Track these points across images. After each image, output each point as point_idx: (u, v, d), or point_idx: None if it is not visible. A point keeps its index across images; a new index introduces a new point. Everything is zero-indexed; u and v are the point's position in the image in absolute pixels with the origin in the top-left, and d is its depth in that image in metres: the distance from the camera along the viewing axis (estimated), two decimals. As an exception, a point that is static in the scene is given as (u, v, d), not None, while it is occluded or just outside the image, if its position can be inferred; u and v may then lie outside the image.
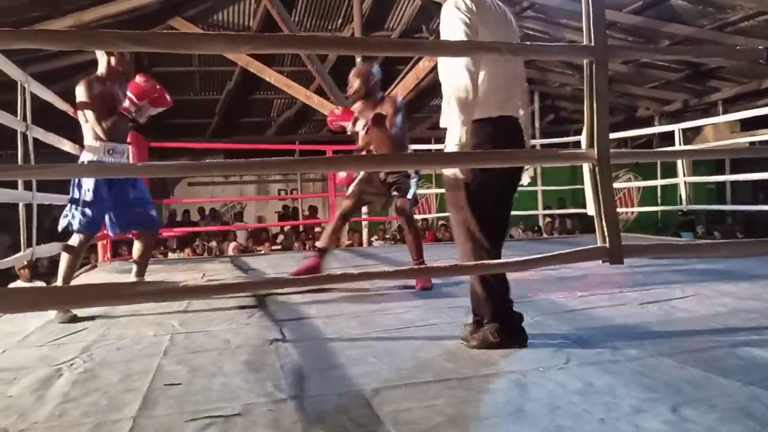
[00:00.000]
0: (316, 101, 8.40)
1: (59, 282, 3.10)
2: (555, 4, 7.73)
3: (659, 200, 10.28)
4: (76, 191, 3.15)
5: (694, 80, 9.68)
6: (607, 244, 1.58)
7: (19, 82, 3.64)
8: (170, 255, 8.70)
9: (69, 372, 2.09)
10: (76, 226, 3.14)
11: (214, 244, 9.51)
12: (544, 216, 10.58)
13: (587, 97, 1.59)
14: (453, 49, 1.87)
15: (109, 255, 5.99)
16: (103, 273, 4.98)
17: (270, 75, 8.41)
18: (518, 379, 1.83)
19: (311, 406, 1.68)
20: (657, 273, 3.58)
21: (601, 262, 1.70)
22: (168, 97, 3.36)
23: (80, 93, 3.16)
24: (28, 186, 3.69)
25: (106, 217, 3.28)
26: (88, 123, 3.21)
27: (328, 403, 1.69)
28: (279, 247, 9.70)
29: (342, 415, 1.61)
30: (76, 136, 3.59)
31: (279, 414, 1.62)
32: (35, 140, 3.75)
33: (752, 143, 8.23)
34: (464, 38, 2.07)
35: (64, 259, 3.14)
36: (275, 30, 7.79)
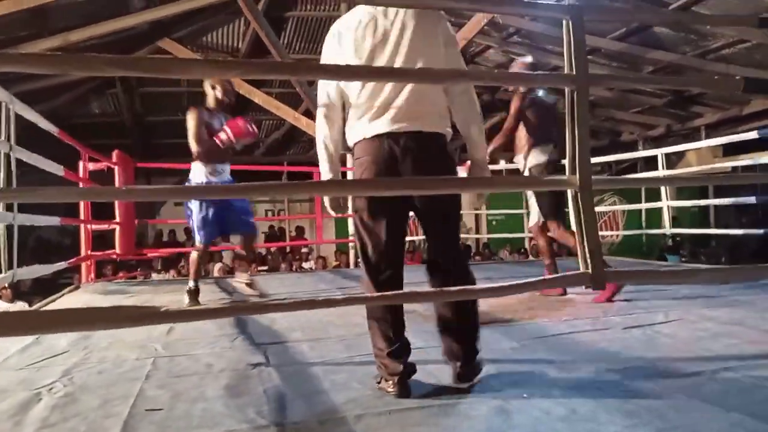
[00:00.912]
0: (304, 123, 8.44)
1: (190, 279, 4.07)
2: (540, 30, 7.86)
3: (644, 223, 10.38)
4: (188, 213, 4.07)
5: (677, 106, 9.85)
6: (590, 270, 1.59)
7: (3, 103, 3.62)
8: (155, 276, 8.63)
9: (48, 396, 2.06)
10: (198, 242, 4.06)
11: (199, 264, 9.43)
12: (530, 238, 10.61)
13: (569, 124, 1.61)
14: (441, 75, 1.89)
15: (93, 276, 5.93)
16: (86, 294, 4.93)
17: (258, 97, 8.45)
18: (502, 405, 1.82)
19: (293, 431, 1.67)
20: (640, 297, 3.59)
21: (584, 287, 1.71)
22: (255, 132, 4.06)
23: (188, 120, 3.88)
24: (9, 207, 3.65)
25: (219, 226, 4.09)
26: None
27: (310, 430, 1.68)
28: (265, 268, 9.65)
29: (324, 441, 1.60)
30: (60, 156, 3.58)
31: (260, 441, 1.61)
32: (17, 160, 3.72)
33: (734, 168, 8.36)
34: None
35: (193, 263, 4.11)
36: (264, 52, 7.84)
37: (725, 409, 1.72)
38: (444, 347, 2.09)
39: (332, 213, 2.20)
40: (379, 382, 2.02)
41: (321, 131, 2.10)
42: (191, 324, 3.12)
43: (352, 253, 8.15)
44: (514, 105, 3.93)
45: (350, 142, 2.10)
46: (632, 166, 11.65)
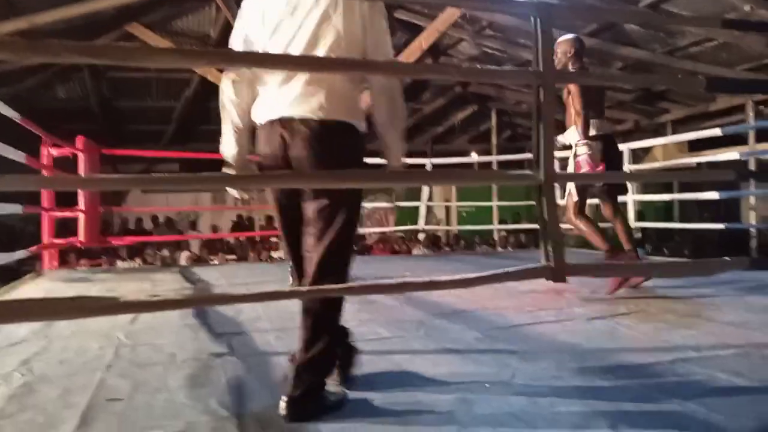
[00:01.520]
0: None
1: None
2: (513, 24, 7.90)
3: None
4: None
5: (645, 102, 10.01)
6: (552, 264, 1.61)
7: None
8: (120, 264, 8.51)
9: (5, 386, 2.02)
10: None
11: (166, 253, 9.34)
12: (499, 230, 10.73)
13: (534, 119, 1.63)
14: (410, 70, 1.89)
15: (55, 263, 5.82)
16: (47, 282, 4.84)
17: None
18: (464, 396, 1.84)
19: (254, 424, 1.67)
20: (603, 288, 3.66)
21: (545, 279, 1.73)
22: None
23: None
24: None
25: None
26: None
27: (272, 421, 1.67)
28: (234, 257, 9.59)
29: (286, 432, 1.60)
30: (23, 141, 3.49)
31: None
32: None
33: (698, 164, 8.53)
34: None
35: None
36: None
37: (680, 399, 1.77)
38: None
39: (236, 195, 2.04)
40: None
41: (227, 99, 1.93)
42: (156, 313, 3.09)
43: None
44: (573, 84, 3.70)
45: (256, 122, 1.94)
46: (600, 160, 11.81)
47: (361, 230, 11.89)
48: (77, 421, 1.68)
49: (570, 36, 3.83)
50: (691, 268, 2.48)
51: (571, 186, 3.74)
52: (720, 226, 6.31)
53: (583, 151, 3.71)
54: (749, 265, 2.01)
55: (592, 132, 3.71)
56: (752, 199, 8.30)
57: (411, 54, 7.53)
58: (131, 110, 10.97)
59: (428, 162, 7.58)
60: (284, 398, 1.69)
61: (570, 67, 3.73)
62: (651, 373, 2.06)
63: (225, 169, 1.99)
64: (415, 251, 9.61)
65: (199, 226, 12.80)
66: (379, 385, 1.97)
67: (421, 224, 8.21)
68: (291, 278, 2.03)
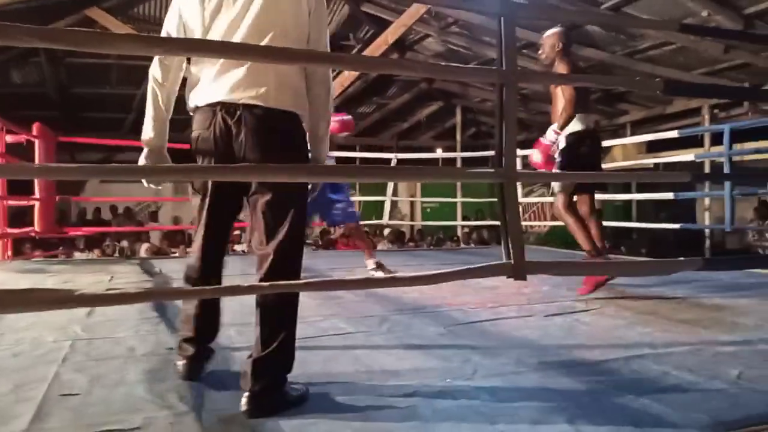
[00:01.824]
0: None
1: (370, 255, 4.42)
2: (479, 21, 7.95)
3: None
4: None
5: (605, 102, 10.21)
6: (512, 261, 1.63)
7: None
8: (78, 255, 8.31)
9: (-45, 381, 1.96)
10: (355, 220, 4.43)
11: (125, 244, 9.16)
12: (462, 227, 10.83)
13: (497, 118, 1.65)
14: (376, 64, 1.88)
15: (10, 253, 5.66)
16: (1, 273, 4.69)
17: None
18: (426, 390, 1.86)
19: (214, 419, 1.65)
20: (564, 286, 3.73)
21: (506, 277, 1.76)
22: (351, 123, 4.32)
23: None
24: None
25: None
26: None
27: (231, 417, 1.66)
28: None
29: (245, 429, 1.59)
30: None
31: (181, 427, 1.58)
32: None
33: (656, 165, 8.75)
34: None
35: (363, 242, 4.54)
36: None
37: (635, 395, 1.81)
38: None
39: (146, 183, 1.90)
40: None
41: (152, 79, 1.86)
42: (114, 306, 3.02)
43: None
44: (564, 69, 3.59)
45: (189, 109, 1.88)
46: (562, 159, 12.00)
47: (326, 224, 11.87)
48: (31, 416, 1.64)
49: (556, 29, 3.70)
50: (649, 267, 2.54)
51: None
52: (676, 226, 6.48)
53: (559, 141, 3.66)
54: (703, 265, 2.07)
55: (578, 127, 3.62)
56: (707, 201, 8.55)
57: (377, 48, 7.52)
58: (90, 97, 10.68)
59: (393, 157, 7.60)
60: (245, 394, 1.68)
61: (558, 62, 3.63)
62: (607, 369, 2.11)
63: (142, 159, 1.94)
64: (379, 246, 9.62)
65: (160, 217, 12.57)
66: (340, 381, 1.97)
67: (386, 219, 8.22)
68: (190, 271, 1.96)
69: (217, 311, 2.00)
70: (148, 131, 1.92)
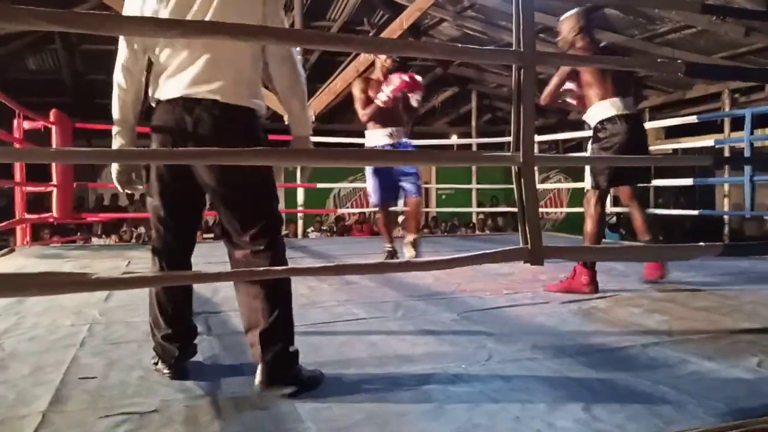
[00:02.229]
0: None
1: (386, 240, 4.51)
2: (494, 5, 7.86)
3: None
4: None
5: (623, 87, 10.07)
6: (529, 246, 1.62)
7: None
8: (95, 241, 8.39)
9: (-25, 363, 1.99)
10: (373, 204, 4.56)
11: (142, 230, 9.23)
12: (477, 213, 10.79)
13: (515, 101, 1.62)
14: (391, 46, 1.86)
15: (29, 239, 5.72)
16: (21, 258, 4.75)
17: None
18: (440, 376, 1.86)
19: (230, 402, 1.66)
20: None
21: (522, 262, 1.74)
22: (408, 81, 4.11)
23: (353, 91, 4.32)
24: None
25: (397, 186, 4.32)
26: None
27: (247, 400, 1.67)
28: (211, 236, 9.50)
29: (261, 411, 1.59)
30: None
31: (197, 411, 1.59)
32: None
33: (675, 150, 8.64)
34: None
35: (381, 226, 4.64)
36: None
37: (652, 382, 1.80)
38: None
39: (119, 188, 1.97)
40: (156, 363, 1.91)
41: (116, 84, 1.89)
42: (131, 290, 3.05)
43: (300, 222, 8.10)
44: (583, 52, 3.38)
45: (150, 101, 1.90)
46: (579, 144, 11.90)
47: (340, 211, 11.91)
48: (50, 398, 1.66)
49: (572, 11, 3.48)
50: (669, 252, 2.51)
51: (587, 172, 3.52)
52: (694, 212, 6.40)
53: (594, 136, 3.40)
54: (722, 251, 2.03)
55: (609, 113, 3.30)
56: (726, 187, 8.44)
57: (391, 33, 7.46)
58: (105, 84, 10.69)
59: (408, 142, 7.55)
60: (259, 366, 1.71)
61: (577, 44, 3.40)
62: (624, 356, 2.09)
63: (115, 143, 1.95)
64: (393, 232, 9.62)
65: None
66: (355, 366, 1.97)
67: (401, 205, 8.20)
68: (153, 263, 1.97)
69: (191, 305, 2.00)
70: (116, 136, 1.94)
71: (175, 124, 1.77)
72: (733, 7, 6.00)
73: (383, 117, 4.24)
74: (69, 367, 1.93)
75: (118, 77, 1.87)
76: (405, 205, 4.57)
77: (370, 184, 4.39)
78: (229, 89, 1.75)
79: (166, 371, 1.86)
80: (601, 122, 3.33)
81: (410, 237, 4.39)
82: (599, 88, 3.32)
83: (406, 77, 4.08)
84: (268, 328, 1.73)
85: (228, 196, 1.79)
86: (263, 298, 1.74)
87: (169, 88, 1.79)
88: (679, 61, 1.95)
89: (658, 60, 2.55)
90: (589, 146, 3.54)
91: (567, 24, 3.48)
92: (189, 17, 1.73)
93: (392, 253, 4.40)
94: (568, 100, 3.62)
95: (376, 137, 4.32)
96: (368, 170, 4.46)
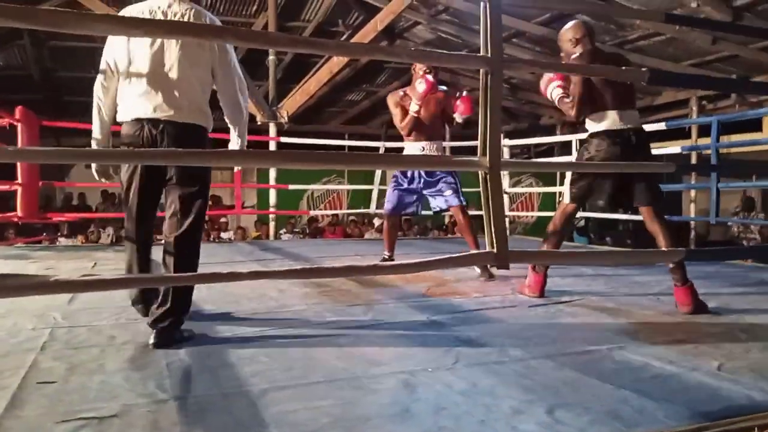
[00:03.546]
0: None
1: (386, 247, 4.28)
2: (468, 9, 7.91)
3: (557, 206, 10.75)
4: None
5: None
6: (495, 250, 1.62)
7: None
8: (62, 241, 8.23)
9: (-70, 368, 1.93)
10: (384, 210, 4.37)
11: (110, 230, 9.07)
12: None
13: (481, 106, 1.63)
14: (360, 50, 1.86)
15: (-9, 239, 5.59)
16: (-18, 259, 4.64)
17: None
18: (407, 379, 1.86)
19: (194, 406, 1.64)
20: (548, 276, 3.73)
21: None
22: (465, 100, 4.09)
23: (389, 105, 4.28)
24: None
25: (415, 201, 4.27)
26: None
27: (212, 404, 1.65)
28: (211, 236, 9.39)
29: (226, 416, 1.57)
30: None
31: (159, 415, 1.57)
32: None
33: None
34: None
35: (385, 233, 4.36)
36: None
37: (615, 386, 1.82)
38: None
39: (97, 177, 2.53)
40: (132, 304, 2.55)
41: (96, 97, 2.40)
42: (96, 293, 2.99)
43: (272, 224, 8.04)
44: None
45: (119, 119, 2.40)
46: (550, 149, 12.03)
47: (313, 212, 11.84)
48: (6, 403, 1.62)
49: (572, 22, 3.38)
50: (633, 257, 2.54)
51: (565, 187, 3.25)
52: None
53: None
54: (686, 256, 2.07)
55: (600, 127, 3.10)
56: (692, 192, 8.60)
57: (366, 35, 7.46)
58: (75, 81, 10.54)
59: (381, 145, 7.56)
60: (154, 331, 2.21)
61: (577, 53, 3.22)
62: (589, 360, 2.11)
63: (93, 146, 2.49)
64: (367, 235, 9.62)
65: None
66: (322, 369, 1.96)
67: (374, 208, 8.20)
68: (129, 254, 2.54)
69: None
70: (96, 135, 2.46)
71: (143, 137, 2.31)
72: (696, 18, 6.12)
73: (419, 130, 4.18)
74: (28, 372, 1.88)
75: (98, 90, 2.40)
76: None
77: (389, 193, 4.29)
78: (185, 112, 2.34)
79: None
80: (591, 135, 3.17)
81: (473, 250, 3.62)
82: (596, 99, 3.12)
83: (430, 77, 3.95)
84: (170, 307, 2.29)
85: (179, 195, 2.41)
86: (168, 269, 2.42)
87: (136, 109, 2.32)
88: (643, 69, 1.98)
89: (623, 68, 2.55)
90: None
91: (566, 35, 3.35)
92: (153, 50, 2.31)
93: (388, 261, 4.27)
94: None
95: (409, 150, 4.24)
96: (391, 184, 4.32)
